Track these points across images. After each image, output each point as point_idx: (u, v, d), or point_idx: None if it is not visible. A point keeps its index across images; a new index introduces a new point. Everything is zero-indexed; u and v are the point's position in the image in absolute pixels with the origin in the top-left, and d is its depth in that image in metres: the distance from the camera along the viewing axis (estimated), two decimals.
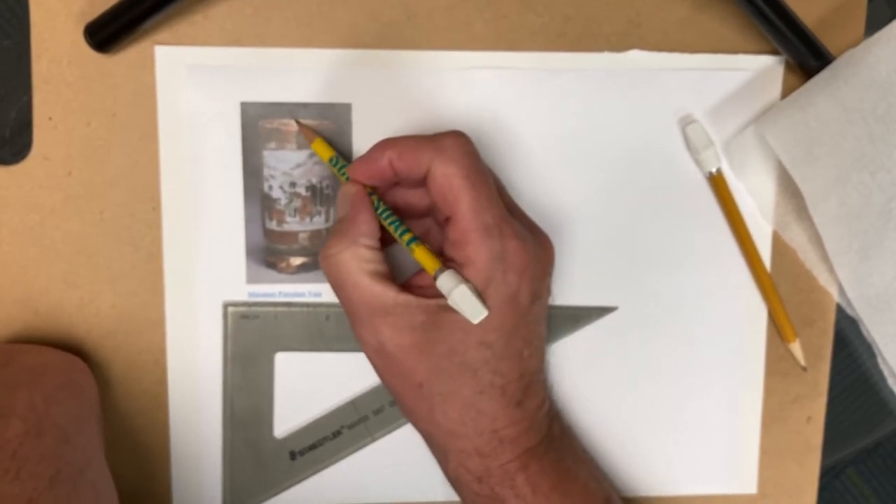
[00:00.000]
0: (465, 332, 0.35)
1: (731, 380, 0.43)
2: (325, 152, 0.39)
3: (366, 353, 0.37)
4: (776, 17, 0.39)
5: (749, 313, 0.43)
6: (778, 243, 0.42)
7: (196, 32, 0.39)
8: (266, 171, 0.40)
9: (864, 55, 0.38)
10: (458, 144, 0.35)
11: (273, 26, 0.39)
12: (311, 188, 0.40)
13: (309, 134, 0.39)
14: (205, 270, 0.40)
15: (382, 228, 0.37)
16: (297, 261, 0.41)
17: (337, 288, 0.36)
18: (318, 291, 0.41)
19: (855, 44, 0.40)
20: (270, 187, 0.40)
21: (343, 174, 0.38)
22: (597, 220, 0.42)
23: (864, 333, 0.43)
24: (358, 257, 0.35)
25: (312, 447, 0.41)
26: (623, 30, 0.41)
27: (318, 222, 0.41)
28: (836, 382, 0.44)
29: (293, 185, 0.40)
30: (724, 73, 0.41)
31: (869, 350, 0.43)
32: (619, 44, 0.41)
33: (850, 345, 0.43)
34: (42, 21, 0.39)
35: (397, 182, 0.37)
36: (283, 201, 0.40)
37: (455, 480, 0.38)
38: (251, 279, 0.41)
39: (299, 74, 0.40)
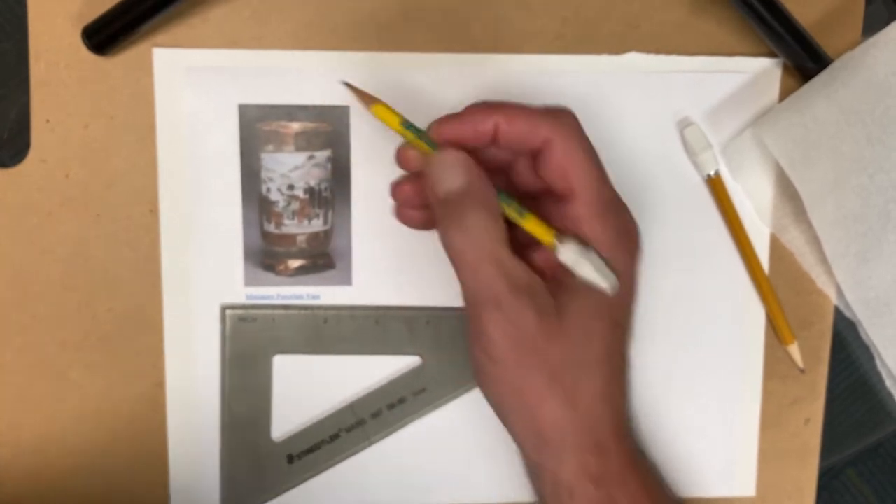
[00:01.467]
0: (601, 316, 0.33)
1: (730, 382, 0.43)
2: (391, 118, 0.34)
3: (490, 342, 0.33)
4: (774, 19, 0.39)
5: (747, 316, 0.43)
6: (776, 246, 0.42)
7: (194, 35, 0.39)
8: (264, 174, 0.40)
9: (861, 57, 0.38)
10: (576, 121, 0.34)
11: (271, 29, 0.39)
12: (310, 190, 0.40)
13: (366, 97, 0.35)
14: (202, 273, 0.40)
15: None
16: (295, 263, 0.41)
17: (474, 265, 0.32)
18: (317, 294, 0.41)
19: (852, 46, 0.40)
20: (268, 189, 0.40)
21: (423, 140, 0.34)
22: None
23: (863, 336, 0.43)
24: (499, 229, 0.32)
25: (310, 450, 0.41)
26: (621, 32, 0.41)
27: (317, 225, 0.41)
28: (834, 385, 0.44)
29: (291, 187, 0.40)
30: (721, 75, 0.41)
31: (867, 352, 0.43)
32: (616, 46, 0.41)
33: (848, 347, 0.43)
34: (40, 23, 0.39)
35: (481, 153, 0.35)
36: (281, 204, 0.40)
37: (566, 489, 0.34)
38: (249, 282, 0.41)
39: (297, 76, 0.40)
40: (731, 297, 0.43)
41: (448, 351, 0.41)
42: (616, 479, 0.34)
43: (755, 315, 0.43)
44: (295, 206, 0.40)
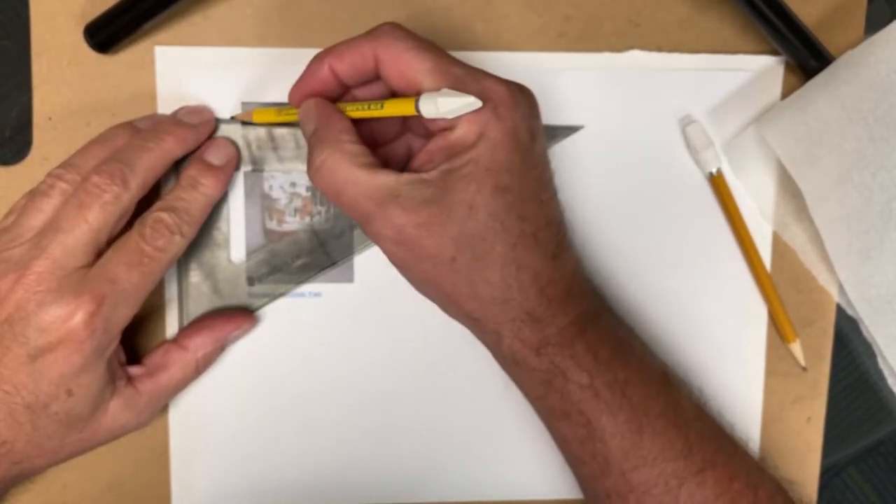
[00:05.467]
0: (479, 183, 0.33)
1: (732, 379, 0.43)
2: (269, 114, 0.38)
3: (387, 251, 0.35)
4: (776, 17, 0.39)
5: (749, 313, 0.43)
6: (778, 243, 0.42)
7: (196, 33, 0.39)
8: (266, 171, 0.40)
9: (864, 55, 0.38)
10: (395, 26, 0.35)
11: (272, 26, 0.39)
12: (312, 188, 0.40)
13: (246, 117, 0.39)
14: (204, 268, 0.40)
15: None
16: (297, 261, 0.41)
17: (337, 195, 0.34)
18: (319, 291, 0.41)
19: (855, 44, 0.40)
20: (271, 187, 0.40)
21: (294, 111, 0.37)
22: (596, 220, 0.42)
23: (864, 333, 0.43)
24: (347, 154, 0.34)
25: (271, 273, 0.41)
26: (623, 30, 0.41)
27: (318, 222, 0.41)
28: (836, 382, 0.44)
29: (293, 184, 0.40)
30: (724, 73, 0.41)
31: (869, 350, 0.43)
32: (618, 44, 0.41)
33: (849, 345, 0.43)
34: (42, 21, 0.39)
35: (343, 92, 0.37)
36: (284, 201, 0.40)
37: (512, 361, 0.36)
38: (251, 279, 0.41)
39: (299, 74, 0.40)
40: (733, 294, 0.42)
41: None
42: (557, 346, 0.35)
43: (757, 313, 0.43)
44: (297, 203, 0.41)
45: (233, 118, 0.39)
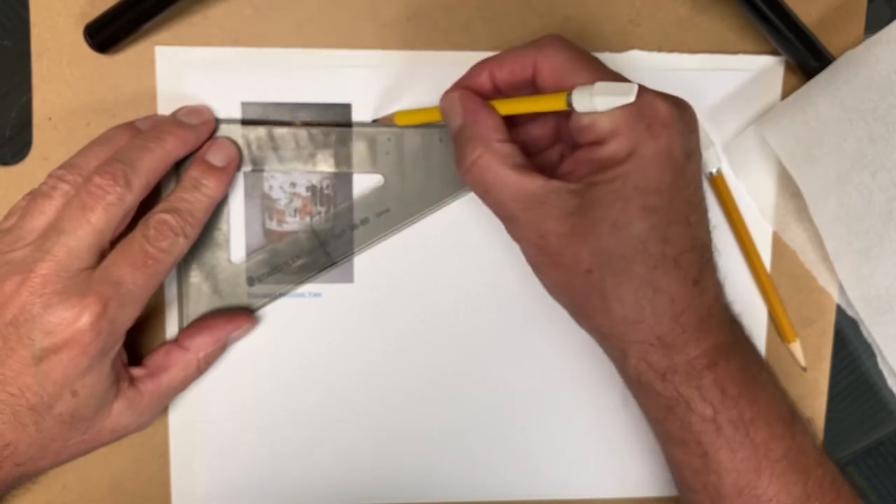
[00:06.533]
0: (626, 201, 0.32)
1: None
2: (412, 115, 0.39)
3: (526, 253, 0.35)
4: (776, 17, 0.39)
5: (749, 313, 0.43)
6: (778, 243, 0.42)
7: (196, 33, 0.39)
8: (266, 171, 0.40)
9: (864, 55, 0.38)
10: (556, 37, 0.35)
11: (272, 26, 0.39)
12: (311, 188, 0.40)
13: (388, 120, 0.39)
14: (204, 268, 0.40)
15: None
16: (297, 261, 0.41)
17: (485, 193, 0.34)
18: (318, 291, 0.41)
19: (855, 44, 0.40)
20: (270, 187, 0.40)
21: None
22: None
23: (864, 334, 0.43)
24: (498, 154, 0.34)
25: (271, 273, 0.41)
26: (623, 30, 0.41)
27: (318, 222, 0.41)
28: (835, 382, 0.44)
29: (293, 184, 0.40)
30: (724, 73, 0.41)
31: (868, 350, 0.43)
32: (618, 44, 0.41)
33: (849, 345, 0.43)
34: (42, 21, 0.39)
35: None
36: (284, 201, 0.40)
37: (636, 381, 0.35)
38: (251, 279, 0.41)
39: (299, 74, 0.40)
40: (732, 294, 0.42)
41: (411, 170, 0.40)
42: (685, 375, 0.34)
43: (757, 313, 0.43)
44: (297, 203, 0.41)
45: (375, 121, 0.39)
